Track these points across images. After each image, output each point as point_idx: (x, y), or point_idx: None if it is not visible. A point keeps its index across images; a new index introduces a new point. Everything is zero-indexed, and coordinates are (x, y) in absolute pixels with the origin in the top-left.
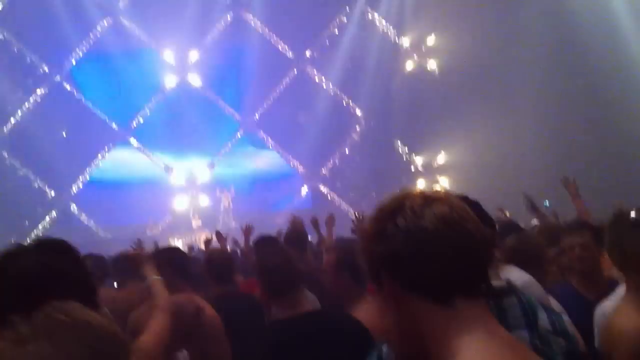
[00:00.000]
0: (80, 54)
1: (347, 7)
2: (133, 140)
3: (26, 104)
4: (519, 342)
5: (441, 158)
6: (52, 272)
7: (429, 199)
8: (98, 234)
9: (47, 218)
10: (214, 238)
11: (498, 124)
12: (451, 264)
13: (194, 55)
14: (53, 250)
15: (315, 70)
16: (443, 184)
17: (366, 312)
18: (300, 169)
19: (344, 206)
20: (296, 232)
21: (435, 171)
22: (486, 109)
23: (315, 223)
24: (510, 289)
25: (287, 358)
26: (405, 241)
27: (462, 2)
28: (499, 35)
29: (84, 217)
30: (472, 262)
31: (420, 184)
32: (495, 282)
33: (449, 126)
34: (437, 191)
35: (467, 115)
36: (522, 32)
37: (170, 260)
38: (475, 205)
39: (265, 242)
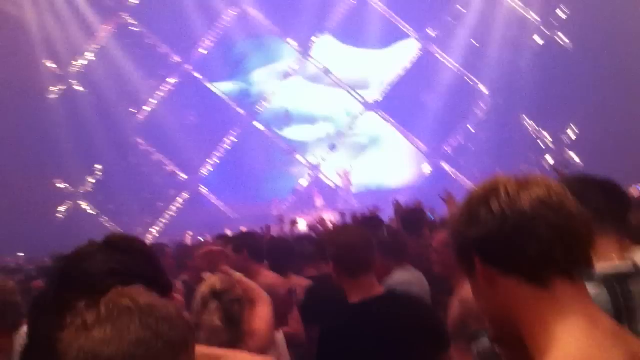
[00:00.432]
0: (208, 43)
1: None
2: (258, 124)
3: (159, 92)
4: (624, 330)
5: (571, 133)
6: (118, 274)
7: (525, 182)
8: (226, 213)
9: (179, 199)
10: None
11: (632, 98)
12: (549, 245)
13: (316, 40)
14: (121, 250)
15: (439, 48)
16: (574, 159)
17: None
18: (423, 147)
19: (468, 184)
20: (410, 211)
21: (565, 146)
22: (619, 82)
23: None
24: (637, 271)
25: (352, 343)
26: (501, 224)
27: None
28: (633, 6)
29: (213, 198)
30: (571, 242)
31: (549, 160)
32: (620, 264)
33: (579, 100)
34: (532, 175)
35: (598, 89)
36: None
37: (245, 246)
38: (605, 183)
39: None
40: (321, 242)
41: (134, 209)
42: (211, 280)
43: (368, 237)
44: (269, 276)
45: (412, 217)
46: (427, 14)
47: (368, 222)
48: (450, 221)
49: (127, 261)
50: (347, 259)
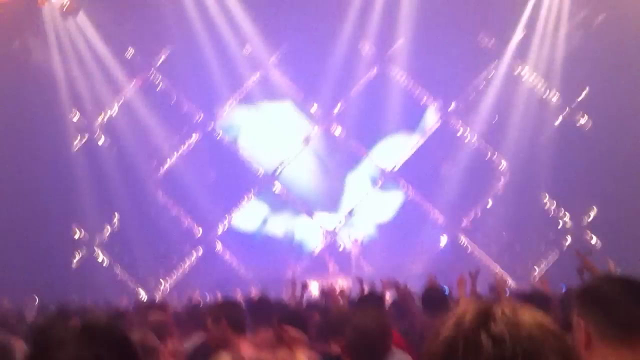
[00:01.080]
0: (233, 104)
1: (496, 60)
2: (277, 185)
3: (181, 148)
4: None
5: (591, 215)
6: None
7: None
8: (240, 272)
9: (194, 254)
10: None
11: None
12: None
13: (338, 107)
14: (96, 340)
15: (459, 121)
16: (593, 242)
17: None
18: (441, 218)
19: (485, 259)
20: (431, 291)
21: (585, 228)
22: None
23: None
24: None
25: None
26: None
27: (613, 58)
28: None
29: (228, 256)
30: None
31: (569, 240)
32: None
33: (601, 182)
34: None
35: (620, 170)
36: None
37: (225, 316)
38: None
39: (367, 301)
40: (331, 314)
41: (148, 261)
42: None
43: (385, 326)
44: (249, 350)
45: (434, 297)
46: (449, 87)
47: (369, 299)
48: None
49: (100, 354)
50: (361, 345)
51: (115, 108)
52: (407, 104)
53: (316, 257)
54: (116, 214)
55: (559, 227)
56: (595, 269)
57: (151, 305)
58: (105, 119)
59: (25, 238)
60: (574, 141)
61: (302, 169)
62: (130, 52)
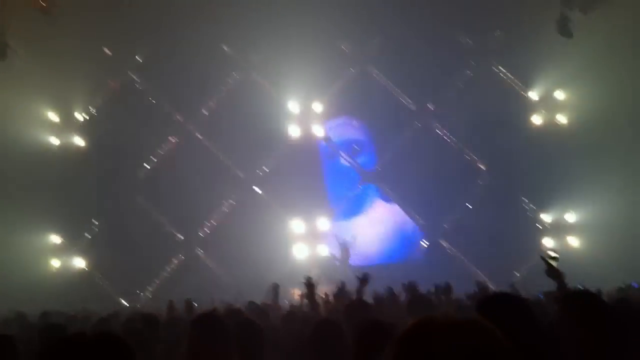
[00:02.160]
0: (212, 105)
1: (473, 61)
2: (257, 189)
3: (160, 150)
4: None
5: (571, 217)
6: None
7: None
8: (221, 279)
9: (175, 261)
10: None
11: (633, 182)
12: None
13: (317, 107)
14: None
15: (438, 123)
16: (572, 243)
17: None
18: (421, 221)
19: (465, 262)
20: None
21: (564, 230)
22: (622, 166)
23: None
24: None
25: None
26: None
27: (593, 56)
28: (633, 90)
29: (209, 262)
30: None
31: (547, 243)
32: None
33: (579, 183)
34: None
35: (600, 172)
36: None
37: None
38: None
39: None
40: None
41: (128, 268)
42: None
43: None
44: None
45: (420, 304)
46: (429, 88)
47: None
48: None
49: None
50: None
51: (94, 109)
52: (387, 105)
53: (299, 261)
54: (95, 220)
55: (537, 229)
56: (559, 274)
57: None
58: (83, 121)
59: (3, 244)
60: (553, 141)
61: (284, 171)
62: (107, 51)
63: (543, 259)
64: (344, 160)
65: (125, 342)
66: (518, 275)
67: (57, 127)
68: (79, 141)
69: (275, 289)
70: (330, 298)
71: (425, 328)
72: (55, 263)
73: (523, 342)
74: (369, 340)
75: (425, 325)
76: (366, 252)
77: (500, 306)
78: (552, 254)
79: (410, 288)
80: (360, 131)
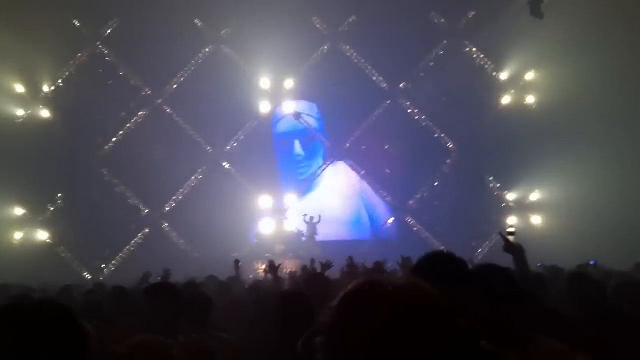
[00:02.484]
0: (182, 79)
1: (445, 40)
2: (226, 164)
3: (127, 124)
4: None
5: (534, 196)
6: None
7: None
8: (187, 252)
9: (140, 234)
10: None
11: (597, 164)
12: None
13: (289, 84)
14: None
15: (408, 101)
16: (535, 221)
17: None
18: (388, 199)
19: (430, 239)
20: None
21: (527, 208)
22: (585, 147)
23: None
24: None
25: None
26: None
27: (563, 38)
28: (601, 73)
29: (175, 236)
30: None
31: (511, 221)
32: None
33: (545, 163)
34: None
35: (563, 153)
36: (625, 71)
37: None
38: None
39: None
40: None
41: (93, 241)
42: None
43: None
44: None
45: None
46: (400, 67)
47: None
48: None
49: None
50: None
51: (60, 81)
52: (359, 82)
53: (264, 237)
54: (59, 192)
55: (502, 207)
56: (517, 249)
57: None
58: (50, 92)
59: None
60: (520, 122)
61: (253, 147)
62: (76, 22)
63: (501, 234)
64: (314, 136)
65: (66, 309)
66: (480, 251)
67: (22, 99)
68: (44, 113)
69: (237, 264)
70: (298, 274)
71: (365, 287)
72: (18, 235)
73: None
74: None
75: (365, 284)
76: (333, 228)
77: (434, 265)
78: (510, 229)
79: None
80: (332, 108)
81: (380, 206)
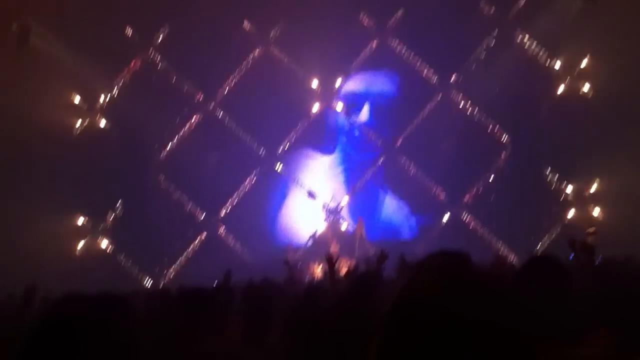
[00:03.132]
0: (233, 83)
1: (496, 30)
2: (279, 166)
3: (181, 130)
4: None
5: (594, 187)
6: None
7: None
8: (243, 256)
9: (197, 240)
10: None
11: None
12: None
13: (339, 82)
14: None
15: (460, 95)
16: (596, 214)
17: None
18: (442, 196)
19: (487, 236)
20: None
21: (588, 200)
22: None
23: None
24: None
25: None
26: None
27: (617, 24)
28: None
29: (231, 240)
30: None
31: (571, 214)
32: None
33: (604, 153)
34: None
35: (624, 141)
36: None
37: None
38: None
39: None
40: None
41: (151, 248)
42: None
43: None
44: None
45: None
46: (450, 57)
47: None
48: None
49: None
50: None
51: (115, 90)
52: (407, 76)
53: (318, 239)
54: (118, 201)
55: (561, 200)
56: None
57: None
58: (105, 102)
59: (27, 225)
60: (577, 111)
61: (306, 148)
62: (129, 30)
63: (570, 244)
64: (366, 134)
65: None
66: (539, 246)
67: (79, 109)
68: (101, 123)
69: (288, 265)
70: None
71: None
72: (80, 245)
73: None
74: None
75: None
76: (386, 227)
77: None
78: (590, 229)
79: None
80: (383, 104)
81: (435, 203)
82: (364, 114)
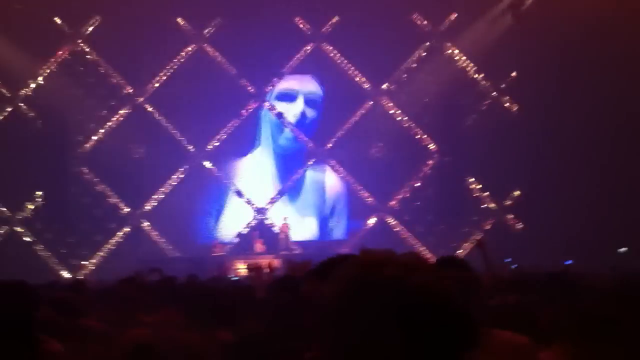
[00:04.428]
0: (164, 78)
1: (428, 41)
2: (207, 163)
3: (108, 123)
4: None
5: (514, 197)
6: None
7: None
8: (166, 252)
9: (120, 233)
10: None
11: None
12: None
13: (272, 83)
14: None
15: (390, 102)
16: (515, 223)
17: None
18: (370, 199)
19: (411, 240)
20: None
21: (508, 210)
22: (563, 149)
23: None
24: None
25: None
26: None
27: (544, 43)
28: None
29: (154, 235)
30: None
31: (491, 222)
32: None
33: (526, 165)
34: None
35: (545, 155)
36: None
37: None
38: None
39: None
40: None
41: (71, 239)
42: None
43: None
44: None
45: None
46: (382, 66)
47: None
48: None
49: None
50: None
51: (41, 79)
52: (339, 81)
53: (243, 236)
54: (39, 191)
55: (482, 209)
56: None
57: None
58: (30, 90)
59: None
60: (501, 124)
61: (234, 146)
62: (57, 20)
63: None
64: (296, 136)
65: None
66: (460, 252)
67: (1, 96)
68: (24, 111)
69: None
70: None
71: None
72: None
73: None
74: None
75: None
76: (313, 228)
77: None
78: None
79: None
80: (314, 107)
81: (361, 206)
82: (295, 115)
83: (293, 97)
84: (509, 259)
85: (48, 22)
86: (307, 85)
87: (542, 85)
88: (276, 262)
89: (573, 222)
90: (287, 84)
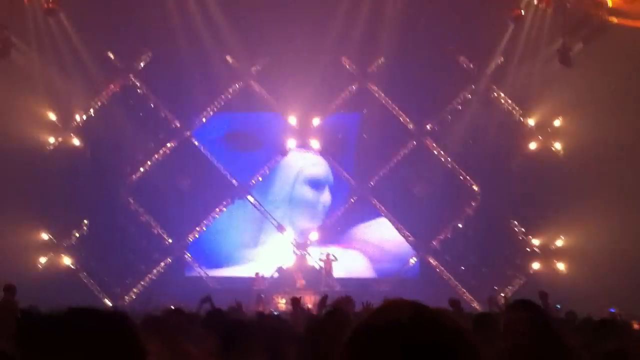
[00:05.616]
0: (211, 113)
1: (474, 84)
2: (250, 197)
3: (155, 155)
4: None
5: (559, 242)
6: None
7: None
8: (207, 283)
9: (162, 264)
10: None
11: (624, 213)
12: None
13: (316, 121)
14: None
15: (434, 143)
16: (560, 268)
17: None
18: (411, 238)
19: (452, 281)
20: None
21: (552, 254)
22: (612, 195)
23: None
24: None
25: None
26: None
27: (590, 85)
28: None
29: (196, 266)
30: None
31: (535, 266)
32: None
33: (571, 210)
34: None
35: (591, 200)
36: None
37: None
38: None
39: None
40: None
41: (115, 268)
42: None
43: None
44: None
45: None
46: (427, 107)
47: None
48: None
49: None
50: None
51: (92, 110)
52: (386, 122)
53: (285, 272)
54: (85, 219)
55: (526, 252)
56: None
57: None
58: (81, 121)
59: None
60: (547, 167)
61: (278, 182)
62: (110, 54)
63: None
64: (339, 173)
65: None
66: (503, 295)
67: (54, 126)
68: (74, 141)
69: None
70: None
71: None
72: (42, 260)
73: None
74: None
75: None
76: (355, 265)
77: None
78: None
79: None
80: (359, 145)
81: (403, 245)
82: (339, 153)
83: (337, 136)
84: (558, 305)
85: (101, 56)
86: (351, 124)
87: (588, 128)
88: (316, 298)
89: (614, 270)
90: (331, 123)
